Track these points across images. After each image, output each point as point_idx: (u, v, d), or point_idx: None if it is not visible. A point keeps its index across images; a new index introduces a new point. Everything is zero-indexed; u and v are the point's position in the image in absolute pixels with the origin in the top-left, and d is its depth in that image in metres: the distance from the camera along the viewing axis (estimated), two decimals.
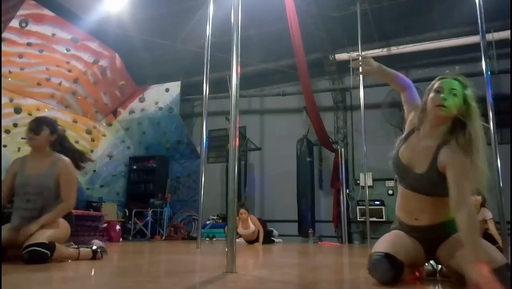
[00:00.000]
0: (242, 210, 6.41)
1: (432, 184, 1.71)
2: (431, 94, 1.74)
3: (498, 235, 4.58)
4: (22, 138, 7.49)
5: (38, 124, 2.71)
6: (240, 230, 6.50)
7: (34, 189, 2.63)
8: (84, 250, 2.76)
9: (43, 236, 2.43)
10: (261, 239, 6.43)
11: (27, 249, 2.32)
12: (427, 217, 1.78)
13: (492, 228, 4.81)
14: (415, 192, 1.77)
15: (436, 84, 1.76)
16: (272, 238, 7.24)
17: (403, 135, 1.88)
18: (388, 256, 1.64)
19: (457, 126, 1.70)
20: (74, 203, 2.77)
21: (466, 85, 1.73)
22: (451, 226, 1.69)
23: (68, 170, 2.73)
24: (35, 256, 2.31)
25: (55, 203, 2.67)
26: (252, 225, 6.49)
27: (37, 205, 2.61)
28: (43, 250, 2.34)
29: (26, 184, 2.64)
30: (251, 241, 6.58)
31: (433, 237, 1.79)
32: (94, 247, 2.85)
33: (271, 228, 7.68)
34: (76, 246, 2.77)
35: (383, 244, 1.77)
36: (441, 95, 1.68)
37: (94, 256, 2.79)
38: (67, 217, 2.77)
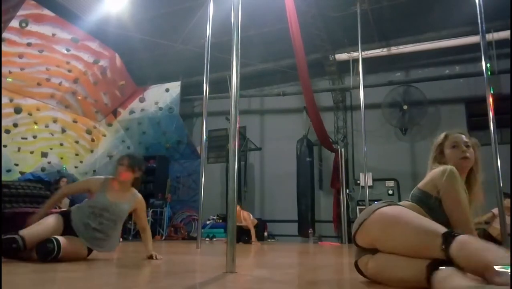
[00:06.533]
0: None
1: None
2: (450, 150, 1.86)
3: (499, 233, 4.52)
4: (22, 138, 7.54)
5: (133, 164, 2.89)
6: None
7: (111, 216, 2.80)
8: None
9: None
10: (253, 236, 6.53)
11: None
12: None
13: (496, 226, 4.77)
14: None
15: (450, 140, 1.89)
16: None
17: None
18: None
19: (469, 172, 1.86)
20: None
21: (469, 136, 1.92)
22: None
23: (143, 205, 3.06)
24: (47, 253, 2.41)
25: (118, 231, 2.95)
26: (242, 220, 6.87)
27: (108, 230, 2.80)
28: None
29: (105, 208, 2.79)
30: (240, 236, 6.77)
31: None
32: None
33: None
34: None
35: None
36: (463, 148, 1.84)
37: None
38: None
